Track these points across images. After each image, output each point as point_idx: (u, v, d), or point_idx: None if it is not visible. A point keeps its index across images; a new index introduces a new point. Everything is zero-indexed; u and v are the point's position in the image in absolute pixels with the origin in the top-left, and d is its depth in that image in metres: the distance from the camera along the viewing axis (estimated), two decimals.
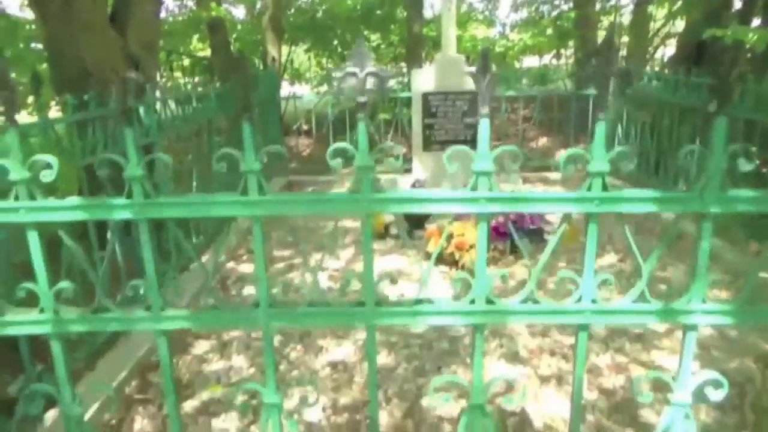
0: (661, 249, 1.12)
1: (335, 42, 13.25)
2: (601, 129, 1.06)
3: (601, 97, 1.05)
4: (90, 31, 4.20)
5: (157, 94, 4.26)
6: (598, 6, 12.61)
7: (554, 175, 7.31)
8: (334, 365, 3.05)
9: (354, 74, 1.08)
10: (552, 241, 1.18)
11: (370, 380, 1.25)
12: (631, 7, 11.38)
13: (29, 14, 6.36)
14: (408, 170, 6.17)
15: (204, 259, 4.35)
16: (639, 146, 6.29)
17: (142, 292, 1.25)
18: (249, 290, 4.13)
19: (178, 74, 10.49)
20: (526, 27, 13.51)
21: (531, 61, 15.21)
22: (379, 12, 12.90)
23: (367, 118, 1.15)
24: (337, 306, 1.18)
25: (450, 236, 4.45)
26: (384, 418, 2.55)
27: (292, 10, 13.23)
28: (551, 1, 13.80)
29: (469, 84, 5.51)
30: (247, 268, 4.55)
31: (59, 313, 1.27)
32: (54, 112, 3.83)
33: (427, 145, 5.66)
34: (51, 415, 2.32)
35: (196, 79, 9.91)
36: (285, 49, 12.28)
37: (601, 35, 11.78)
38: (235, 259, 4.77)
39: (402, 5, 12.79)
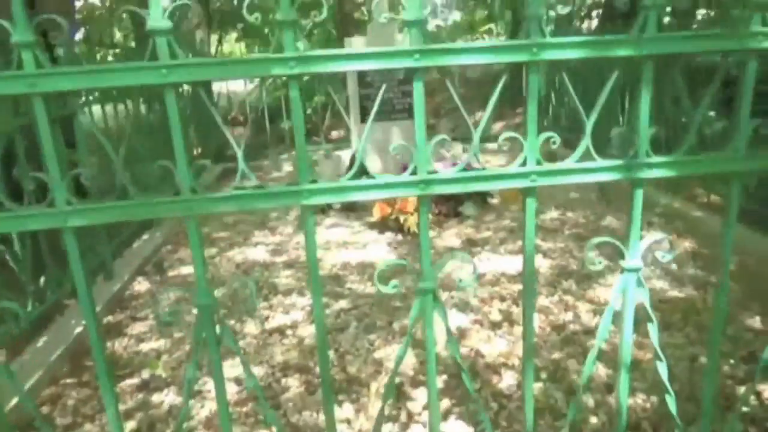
0: (602, 98, 1.07)
1: (266, 30, 12.96)
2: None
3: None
4: None
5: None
6: None
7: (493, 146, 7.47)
8: (281, 331, 2.93)
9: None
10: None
11: (314, 288, 1.14)
12: None
13: None
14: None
15: None
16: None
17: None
18: None
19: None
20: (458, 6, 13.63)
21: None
22: None
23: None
24: (271, 187, 1.06)
25: (394, 201, 4.40)
26: (338, 375, 2.46)
27: None
28: None
29: None
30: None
31: None
32: None
33: (365, 116, 5.57)
34: None
35: None
36: (214, 37, 11.88)
37: None
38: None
39: None
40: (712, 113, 3.33)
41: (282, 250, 4.21)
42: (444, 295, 3.15)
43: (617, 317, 1.25)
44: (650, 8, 1.02)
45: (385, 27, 5.28)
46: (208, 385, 2.38)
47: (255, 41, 13.42)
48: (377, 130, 5.56)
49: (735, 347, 2.45)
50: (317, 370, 2.44)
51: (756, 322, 2.70)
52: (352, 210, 5.01)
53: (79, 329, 2.88)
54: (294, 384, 2.43)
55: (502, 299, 3.13)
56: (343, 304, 3.16)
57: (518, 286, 3.26)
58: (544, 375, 2.35)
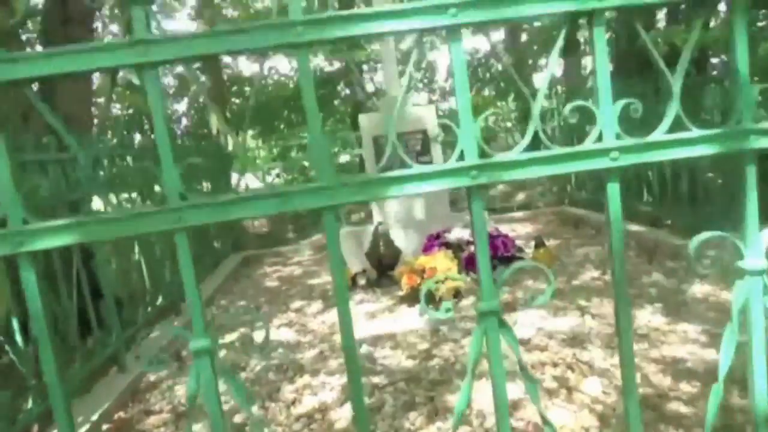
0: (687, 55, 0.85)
1: (282, 126, 13.35)
2: None
3: None
4: None
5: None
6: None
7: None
8: (309, 415, 2.60)
9: None
10: None
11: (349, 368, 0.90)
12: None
13: None
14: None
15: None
16: None
17: None
18: None
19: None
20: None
21: None
22: (322, 91, 13.14)
23: None
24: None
25: (422, 271, 4.14)
26: None
27: (236, 100, 13.35)
28: (485, 63, 14.41)
29: (420, 123, 5.40)
30: None
31: None
32: None
33: None
34: None
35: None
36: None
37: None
38: None
39: (343, 82, 13.11)
40: None
41: (307, 330, 3.93)
42: (487, 365, 2.81)
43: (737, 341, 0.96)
44: None
45: None
46: None
47: (271, 137, 13.75)
48: (398, 203, 5.41)
49: None
50: None
51: None
52: (379, 285, 4.75)
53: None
54: None
55: (554, 365, 2.78)
56: (376, 380, 2.83)
57: (571, 350, 2.91)
58: None
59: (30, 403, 2.53)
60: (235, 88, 13.11)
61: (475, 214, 0.95)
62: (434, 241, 4.63)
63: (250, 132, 13.98)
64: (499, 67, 13.85)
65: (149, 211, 0.86)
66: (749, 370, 0.97)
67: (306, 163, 8.76)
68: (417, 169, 0.94)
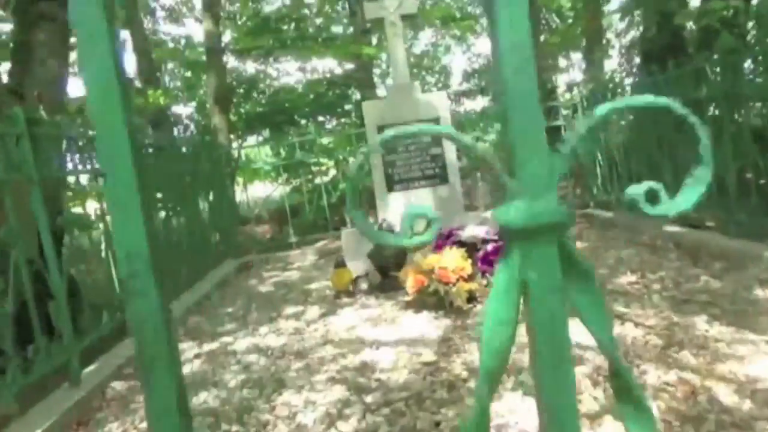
0: None
1: (289, 130, 12.92)
2: None
3: None
4: None
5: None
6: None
7: None
8: None
9: None
10: None
11: None
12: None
13: None
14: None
15: None
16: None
17: None
18: None
19: None
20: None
21: None
22: (330, 93, 12.74)
23: None
24: None
25: (431, 272, 3.59)
26: None
27: (247, 106, 12.99)
28: None
29: (428, 111, 4.88)
30: None
31: None
32: None
33: (391, 184, 4.90)
34: None
35: None
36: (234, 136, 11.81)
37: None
38: None
39: (354, 86, 12.69)
40: None
41: (296, 338, 3.39)
42: (509, 381, 2.25)
43: None
44: None
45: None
46: None
47: (280, 142, 13.30)
48: (405, 199, 4.89)
49: None
50: None
51: None
52: (382, 290, 4.20)
53: None
54: None
55: (595, 383, 2.21)
56: (369, 399, 2.28)
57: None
58: None
59: None
60: (241, 90, 12.73)
61: None
62: (445, 240, 4.08)
63: (258, 138, 13.58)
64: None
65: None
66: None
67: (310, 163, 8.37)
68: None
